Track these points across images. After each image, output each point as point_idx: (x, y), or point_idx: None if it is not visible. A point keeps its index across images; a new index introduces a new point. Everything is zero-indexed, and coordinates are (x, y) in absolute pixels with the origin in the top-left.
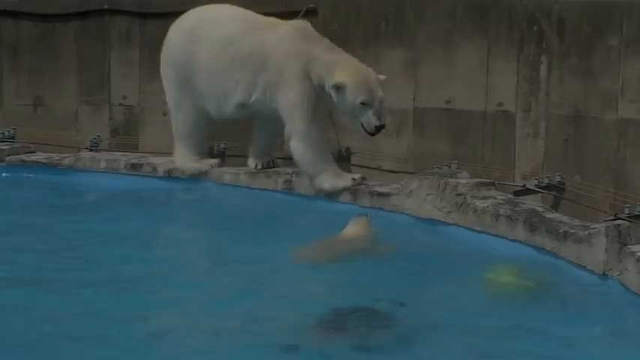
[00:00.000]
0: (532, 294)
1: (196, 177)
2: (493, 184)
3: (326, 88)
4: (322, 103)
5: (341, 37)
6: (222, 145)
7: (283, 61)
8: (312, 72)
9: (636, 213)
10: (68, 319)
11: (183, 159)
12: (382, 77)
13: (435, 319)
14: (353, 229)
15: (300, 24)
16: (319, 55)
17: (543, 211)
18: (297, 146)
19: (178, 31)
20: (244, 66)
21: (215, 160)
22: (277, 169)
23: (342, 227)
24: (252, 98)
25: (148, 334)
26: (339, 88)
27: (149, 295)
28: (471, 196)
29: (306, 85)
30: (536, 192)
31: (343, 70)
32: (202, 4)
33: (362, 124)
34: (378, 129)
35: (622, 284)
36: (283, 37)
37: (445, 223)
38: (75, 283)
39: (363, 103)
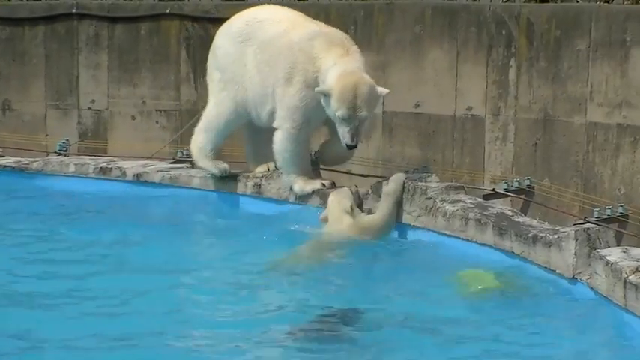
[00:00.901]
0: (501, 298)
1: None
2: (462, 187)
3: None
4: (324, 111)
5: None
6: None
7: (301, 62)
8: (320, 77)
9: (605, 216)
10: None
11: (201, 152)
12: (384, 91)
13: (405, 321)
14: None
15: (331, 28)
16: (329, 63)
17: (512, 215)
18: (280, 142)
19: (226, 34)
20: (274, 68)
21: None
22: (247, 173)
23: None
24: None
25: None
26: (324, 95)
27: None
28: (441, 200)
29: (312, 92)
30: (505, 196)
31: (334, 78)
32: (171, 9)
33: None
34: (349, 147)
35: (591, 288)
36: (310, 38)
37: (414, 227)
38: None
39: (341, 118)
